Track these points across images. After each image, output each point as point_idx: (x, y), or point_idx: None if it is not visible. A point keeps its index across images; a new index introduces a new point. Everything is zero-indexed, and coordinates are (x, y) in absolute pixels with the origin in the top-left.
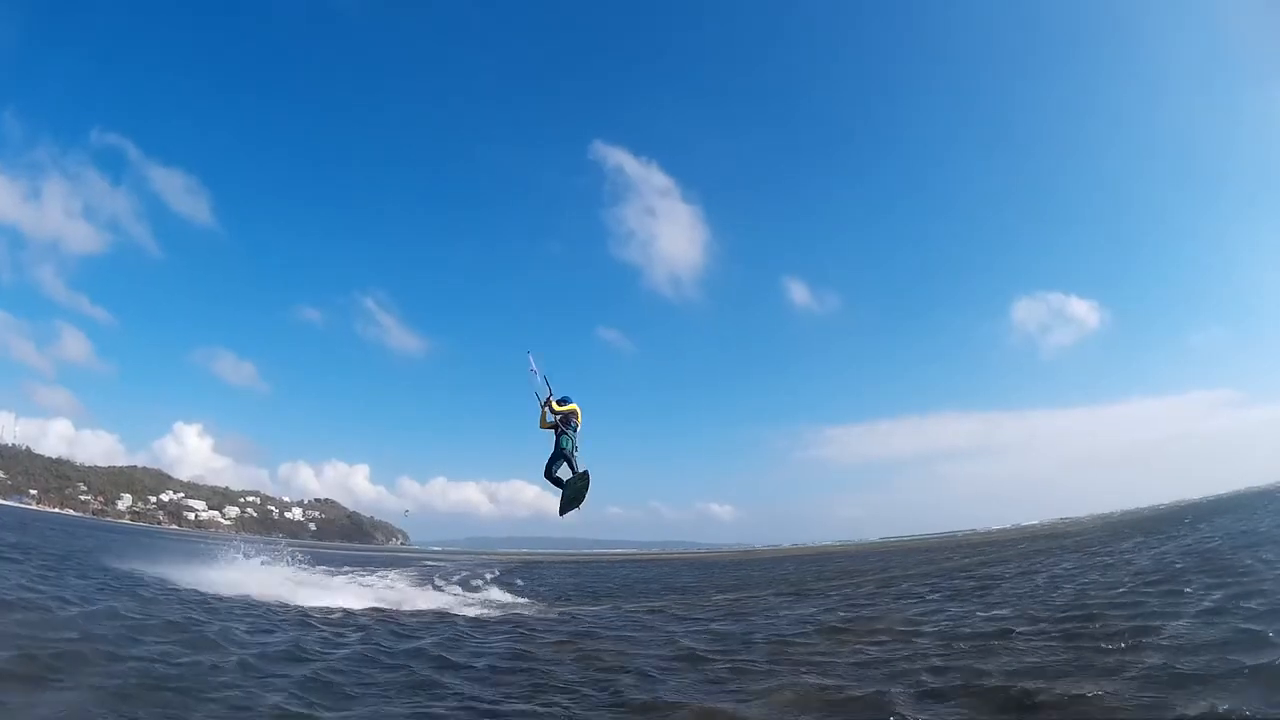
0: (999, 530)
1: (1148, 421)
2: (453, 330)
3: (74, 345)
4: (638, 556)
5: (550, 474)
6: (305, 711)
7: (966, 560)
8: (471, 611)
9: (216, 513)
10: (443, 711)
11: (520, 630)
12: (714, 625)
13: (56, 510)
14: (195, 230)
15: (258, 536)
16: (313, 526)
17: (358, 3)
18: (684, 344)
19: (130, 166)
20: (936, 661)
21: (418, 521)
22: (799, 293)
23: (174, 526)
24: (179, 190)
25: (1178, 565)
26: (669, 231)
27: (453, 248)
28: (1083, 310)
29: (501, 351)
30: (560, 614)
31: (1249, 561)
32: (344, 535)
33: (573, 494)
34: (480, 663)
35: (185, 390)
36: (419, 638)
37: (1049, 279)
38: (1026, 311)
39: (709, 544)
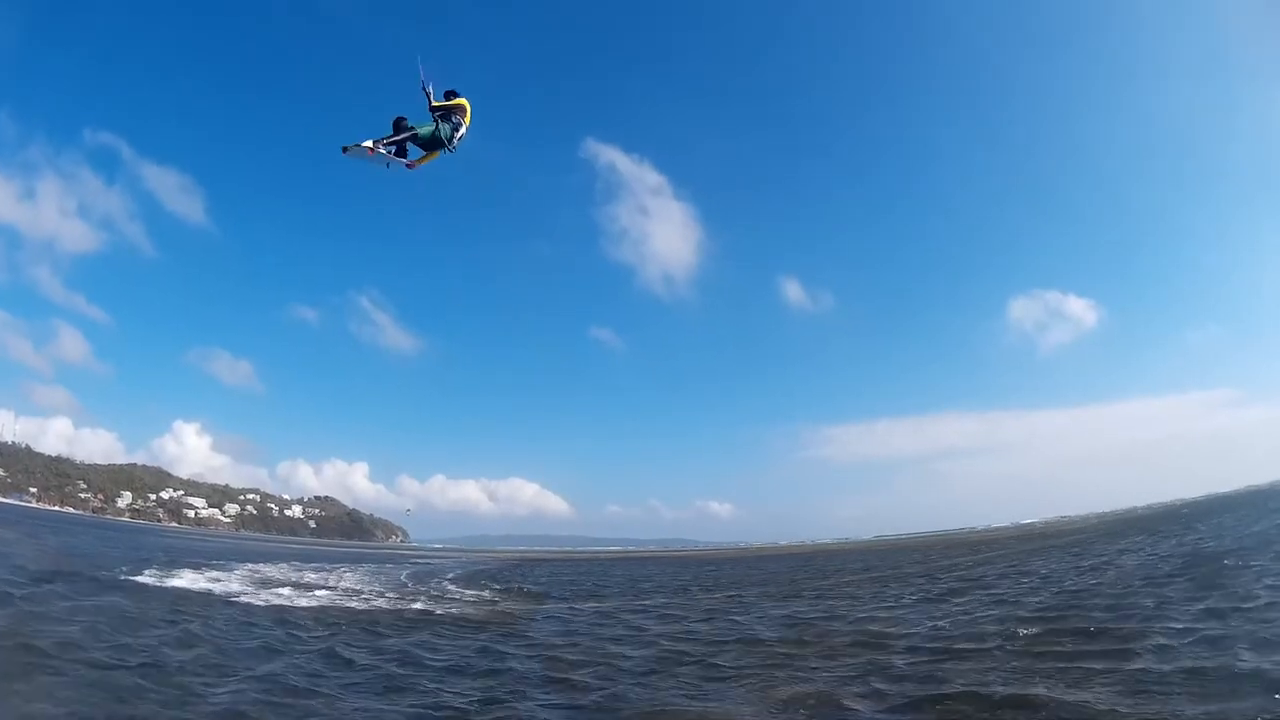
0: (997, 529)
1: (1146, 420)
2: (447, 329)
3: (72, 344)
4: (633, 554)
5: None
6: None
7: (956, 560)
8: (417, 607)
9: (216, 510)
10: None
11: (446, 628)
12: (663, 626)
13: (56, 508)
14: (189, 229)
15: (257, 534)
16: (312, 524)
17: (350, 2)
18: (678, 343)
19: (124, 165)
20: (854, 672)
21: (418, 519)
22: (793, 291)
23: (174, 524)
24: (173, 189)
25: (1164, 570)
26: (662, 230)
27: (445, 247)
28: (1080, 309)
29: (498, 351)
30: (498, 611)
31: (1231, 564)
32: (343, 533)
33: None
34: (369, 659)
35: (182, 389)
36: (330, 634)
37: (1046, 277)
38: (1024, 310)
39: (708, 542)
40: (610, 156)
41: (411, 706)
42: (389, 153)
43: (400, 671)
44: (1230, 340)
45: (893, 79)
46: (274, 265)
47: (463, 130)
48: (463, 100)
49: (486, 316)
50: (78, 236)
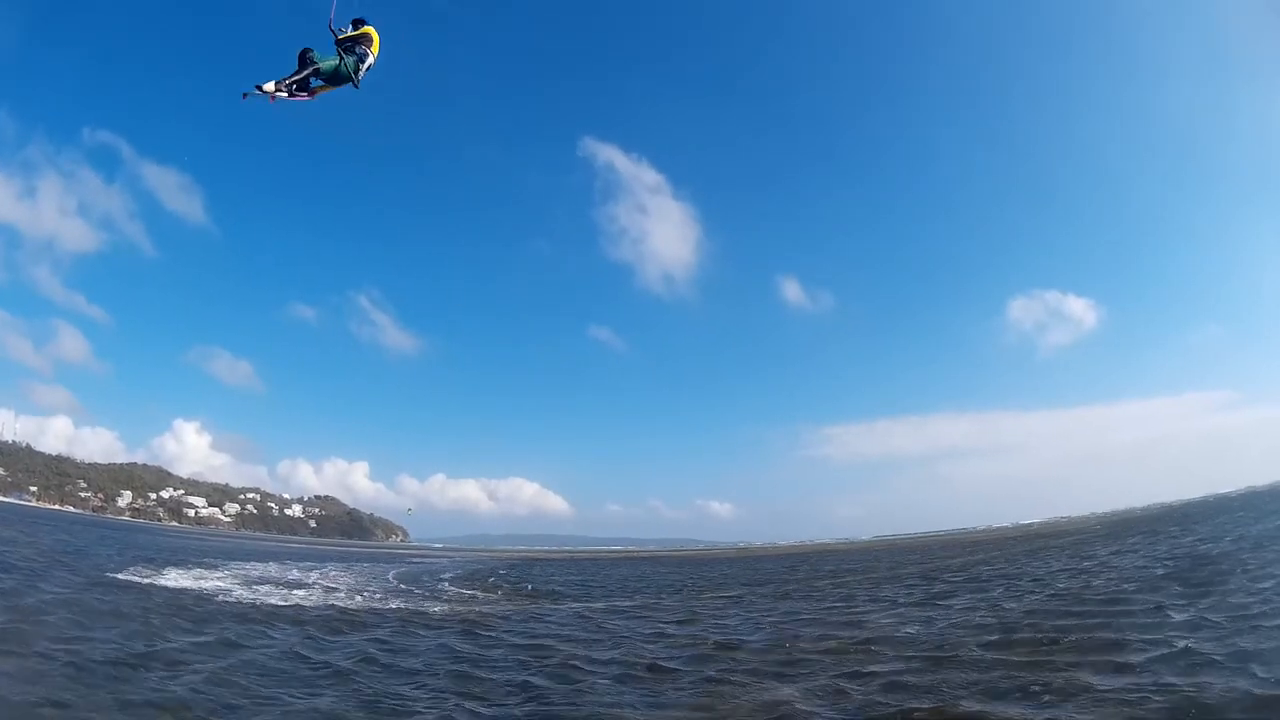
0: (996, 529)
1: (1146, 421)
2: (446, 329)
3: (71, 344)
4: (632, 554)
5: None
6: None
7: (952, 561)
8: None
9: (216, 509)
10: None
11: (415, 627)
12: (640, 628)
13: (56, 507)
14: (189, 229)
15: (257, 533)
16: (312, 524)
17: (347, 2)
18: (678, 342)
19: (124, 164)
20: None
21: (418, 519)
22: (792, 291)
23: (174, 523)
24: (172, 188)
25: (1157, 573)
26: (661, 229)
27: (444, 246)
28: (1079, 309)
29: (498, 351)
30: (475, 611)
31: (1226, 568)
32: (343, 532)
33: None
34: (322, 656)
35: (182, 388)
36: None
37: (1046, 277)
38: (1023, 310)
39: (709, 542)
40: (609, 155)
41: (354, 704)
42: (289, 93)
43: (352, 669)
44: (1230, 340)
45: (893, 79)
46: (274, 265)
47: (369, 61)
48: (370, 29)
49: (486, 316)
50: (78, 236)
